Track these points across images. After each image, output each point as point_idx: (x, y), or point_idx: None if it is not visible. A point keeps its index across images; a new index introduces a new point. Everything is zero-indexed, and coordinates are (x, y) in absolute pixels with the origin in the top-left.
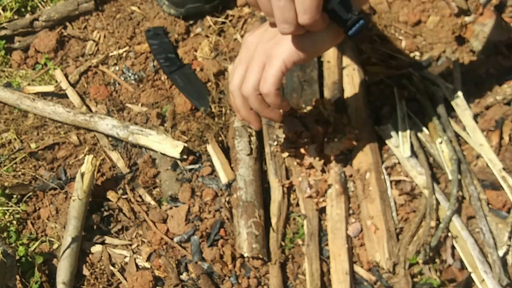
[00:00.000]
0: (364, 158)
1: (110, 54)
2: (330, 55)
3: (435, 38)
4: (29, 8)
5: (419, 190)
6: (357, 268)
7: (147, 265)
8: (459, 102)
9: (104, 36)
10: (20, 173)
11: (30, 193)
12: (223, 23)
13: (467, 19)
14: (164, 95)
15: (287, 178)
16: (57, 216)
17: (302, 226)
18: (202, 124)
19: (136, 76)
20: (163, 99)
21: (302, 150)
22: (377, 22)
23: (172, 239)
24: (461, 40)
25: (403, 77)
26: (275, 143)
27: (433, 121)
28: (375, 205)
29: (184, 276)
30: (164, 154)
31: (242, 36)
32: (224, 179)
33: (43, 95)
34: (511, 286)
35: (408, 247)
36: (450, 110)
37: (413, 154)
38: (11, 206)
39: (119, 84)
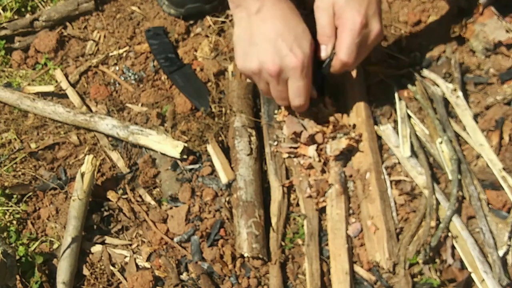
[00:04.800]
0: (364, 158)
1: (110, 54)
2: None
3: (435, 38)
4: (29, 8)
5: (419, 190)
6: (357, 268)
7: (147, 265)
8: (459, 102)
9: (104, 36)
10: (20, 173)
11: (30, 193)
12: (223, 22)
13: (467, 19)
14: (164, 95)
15: (287, 178)
16: (57, 216)
17: (302, 226)
18: (202, 124)
19: (136, 76)
20: (163, 99)
21: (302, 150)
22: None
23: (172, 239)
24: (461, 40)
25: (403, 77)
26: (275, 143)
27: (433, 121)
28: (375, 205)
29: (184, 276)
30: (164, 154)
31: None
32: (224, 179)
33: (43, 95)
34: (511, 286)
35: (408, 247)
36: (450, 110)
37: (413, 154)
38: (11, 206)
39: (119, 84)
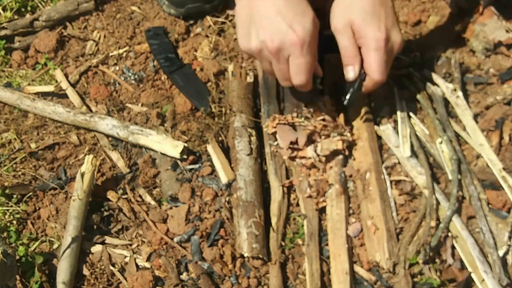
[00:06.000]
0: (364, 158)
1: (110, 54)
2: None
3: (435, 38)
4: (29, 8)
5: (419, 190)
6: (357, 268)
7: (147, 265)
8: (459, 102)
9: (104, 36)
10: (20, 173)
11: (30, 193)
12: (223, 23)
13: (467, 19)
14: (164, 95)
15: (287, 178)
16: (57, 216)
17: (302, 226)
18: (202, 124)
19: (136, 76)
20: (163, 99)
21: (302, 153)
22: None
23: (172, 239)
24: (461, 40)
25: (403, 77)
26: (275, 143)
27: (433, 121)
28: (375, 205)
29: (184, 276)
30: (164, 154)
31: None
32: (224, 179)
33: (43, 95)
34: (511, 286)
35: (408, 247)
36: (450, 110)
37: (413, 154)
38: (11, 206)
39: (119, 84)
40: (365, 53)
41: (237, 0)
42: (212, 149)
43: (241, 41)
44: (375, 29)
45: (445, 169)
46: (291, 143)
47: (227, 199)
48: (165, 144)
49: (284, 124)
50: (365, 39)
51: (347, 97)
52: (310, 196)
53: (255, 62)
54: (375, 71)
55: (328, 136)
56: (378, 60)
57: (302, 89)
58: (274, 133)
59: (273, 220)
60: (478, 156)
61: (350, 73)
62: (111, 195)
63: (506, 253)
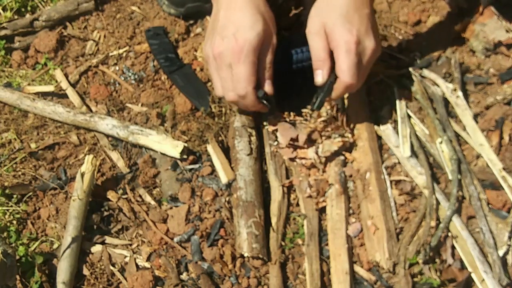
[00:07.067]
0: (364, 158)
1: (110, 54)
2: None
3: (435, 38)
4: (29, 8)
5: (419, 190)
6: (357, 268)
7: (147, 265)
8: (459, 102)
9: (104, 36)
10: (20, 173)
11: (30, 193)
12: None
13: (467, 19)
14: (164, 95)
15: (287, 178)
16: (57, 216)
17: (302, 226)
18: (202, 124)
19: (136, 76)
20: (163, 99)
21: (302, 154)
22: (377, 22)
23: (172, 239)
24: (461, 40)
25: (403, 77)
26: (275, 143)
27: (433, 121)
28: (375, 205)
29: (184, 276)
30: (164, 154)
31: None
32: (224, 179)
33: (43, 95)
34: (511, 286)
35: (408, 247)
36: (450, 110)
37: (413, 154)
38: (11, 206)
39: (119, 84)
40: (336, 56)
41: (212, 13)
42: (212, 149)
43: (203, 47)
44: (346, 32)
45: (445, 169)
46: (291, 139)
47: (227, 199)
48: (165, 144)
49: (286, 122)
50: (336, 42)
51: (316, 101)
52: (310, 196)
53: None
54: (345, 73)
55: (329, 137)
56: (347, 62)
57: (246, 105)
58: (274, 131)
59: (273, 220)
60: (478, 156)
61: (318, 77)
62: (111, 195)
63: (506, 253)
